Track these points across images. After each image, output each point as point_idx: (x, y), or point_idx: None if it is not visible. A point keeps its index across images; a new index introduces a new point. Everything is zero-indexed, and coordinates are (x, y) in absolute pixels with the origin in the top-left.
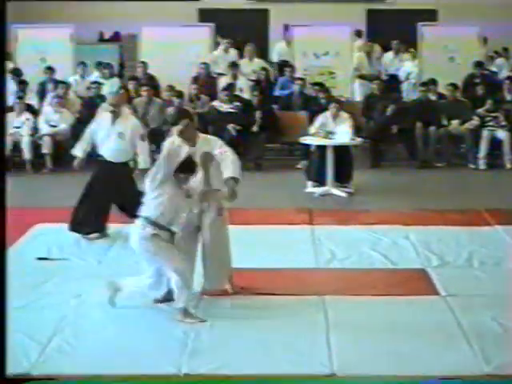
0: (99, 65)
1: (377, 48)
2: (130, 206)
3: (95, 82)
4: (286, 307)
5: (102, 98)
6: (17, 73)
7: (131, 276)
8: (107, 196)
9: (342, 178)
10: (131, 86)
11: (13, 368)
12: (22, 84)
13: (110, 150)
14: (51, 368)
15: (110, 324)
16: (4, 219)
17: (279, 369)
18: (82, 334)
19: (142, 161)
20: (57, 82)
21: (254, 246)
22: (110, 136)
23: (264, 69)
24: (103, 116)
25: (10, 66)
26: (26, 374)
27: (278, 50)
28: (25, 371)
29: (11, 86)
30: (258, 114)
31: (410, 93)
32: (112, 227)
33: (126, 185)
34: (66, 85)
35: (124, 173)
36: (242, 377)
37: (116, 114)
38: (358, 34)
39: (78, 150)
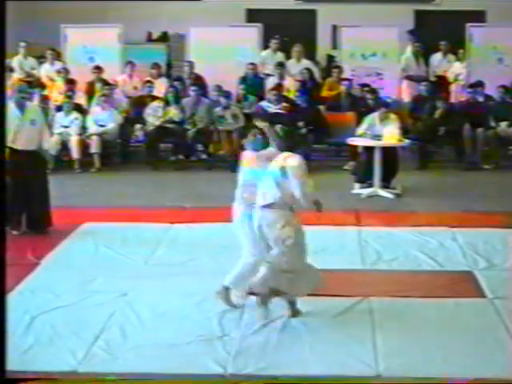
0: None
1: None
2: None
3: (148, 81)
4: (333, 308)
5: (153, 97)
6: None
7: (176, 276)
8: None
9: (387, 178)
10: (179, 85)
11: (60, 366)
12: (71, 83)
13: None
14: (97, 366)
15: (155, 323)
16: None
17: (326, 370)
18: (128, 333)
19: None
20: (105, 82)
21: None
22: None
23: (307, 69)
24: None
25: (59, 65)
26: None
27: None
28: (71, 369)
29: (60, 85)
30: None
31: (458, 94)
32: (159, 226)
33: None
34: (114, 85)
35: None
36: (287, 378)
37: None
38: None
39: None
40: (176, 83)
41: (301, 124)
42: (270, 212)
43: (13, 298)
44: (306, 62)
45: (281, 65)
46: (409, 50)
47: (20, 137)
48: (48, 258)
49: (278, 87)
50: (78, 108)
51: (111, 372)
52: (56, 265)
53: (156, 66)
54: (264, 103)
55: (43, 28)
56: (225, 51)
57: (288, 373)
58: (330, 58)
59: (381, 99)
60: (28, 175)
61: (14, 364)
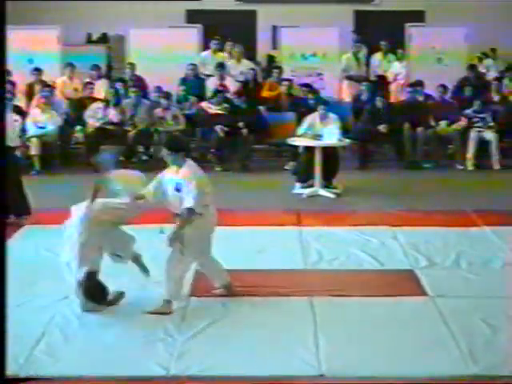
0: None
1: (364, 49)
2: None
3: (88, 83)
4: (275, 308)
5: (93, 99)
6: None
7: (118, 277)
8: None
9: (328, 178)
10: (120, 87)
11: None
12: (11, 85)
13: None
14: (38, 370)
15: (96, 326)
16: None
17: (268, 370)
18: (70, 337)
19: None
20: (44, 84)
21: (241, 247)
22: None
23: (252, 69)
24: None
25: None
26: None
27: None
28: (13, 373)
29: None
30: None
31: (398, 94)
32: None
33: None
34: (53, 86)
35: None
36: (229, 378)
37: None
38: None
39: None
40: (118, 84)
41: (241, 125)
42: None
43: None
44: (246, 63)
45: (221, 65)
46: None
47: None
48: None
49: (221, 88)
50: (18, 110)
51: (52, 376)
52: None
53: (96, 67)
54: (204, 104)
55: None
56: (165, 52)
57: (230, 374)
58: (270, 59)
59: (321, 99)
60: None
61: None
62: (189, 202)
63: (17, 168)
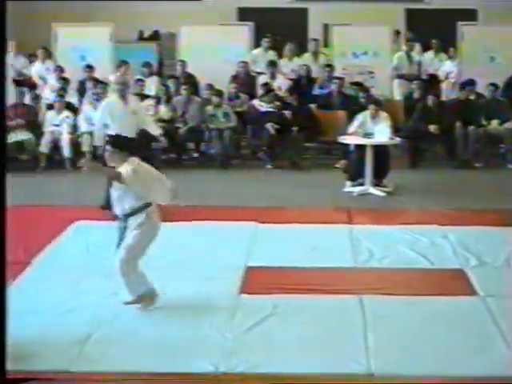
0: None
1: (417, 47)
2: None
3: (139, 80)
4: (325, 306)
5: (144, 96)
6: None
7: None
8: None
9: (379, 177)
10: (171, 84)
11: (52, 365)
12: (64, 82)
13: None
14: (89, 365)
15: (146, 323)
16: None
17: (317, 368)
18: (119, 333)
19: None
20: (96, 81)
21: (292, 244)
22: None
23: (305, 65)
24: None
25: (50, 64)
26: (27, 372)
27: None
28: (64, 368)
29: (52, 83)
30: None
31: (449, 92)
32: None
33: None
34: (106, 84)
35: None
36: (279, 376)
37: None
38: (397, 33)
39: None
40: (170, 81)
41: (292, 123)
42: None
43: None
44: (297, 61)
45: (273, 63)
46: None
47: None
48: (39, 257)
49: (266, 86)
50: (70, 107)
51: (103, 371)
52: (47, 264)
53: (147, 64)
54: (255, 102)
55: (34, 27)
56: (216, 50)
57: (279, 371)
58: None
59: (372, 97)
60: None
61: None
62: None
63: None
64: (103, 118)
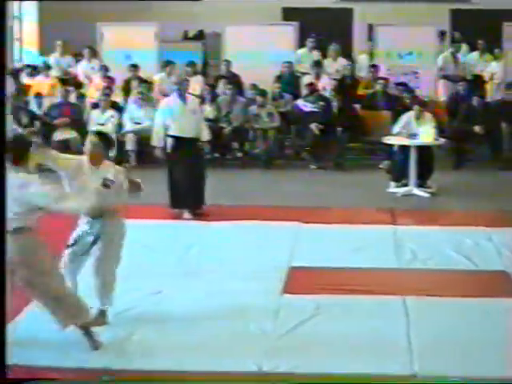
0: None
1: (464, 48)
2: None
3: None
4: (368, 307)
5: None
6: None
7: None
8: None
9: (423, 177)
10: (221, 84)
11: (93, 362)
12: (109, 81)
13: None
14: (130, 363)
15: (189, 321)
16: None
17: (359, 368)
18: (163, 331)
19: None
20: (141, 80)
21: (335, 245)
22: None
23: (350, 64)
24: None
25: (96, 63)
26: (31, 368)
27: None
28: (105, 366)
29: (97, 82)
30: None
31: (494, 93)
32: (194, 224)
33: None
34: (151, 83)
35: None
36: (321, 376)
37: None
38: (442, 34)
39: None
40: (214, 81)
41: (336, 123)
42: None
43: None
44: (342, 61)
45: (318, 64)
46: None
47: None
48: None
49: (310, 87)
50: (115, 105)
51: (144, 369)
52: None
53: (191, 64)
54: (300, 102)
55: (80, 26)
56: (261, 50)
57: (323, 371)
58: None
59: (417, 98)
60: None
61: (48, 360)
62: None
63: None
64: (163, 117)
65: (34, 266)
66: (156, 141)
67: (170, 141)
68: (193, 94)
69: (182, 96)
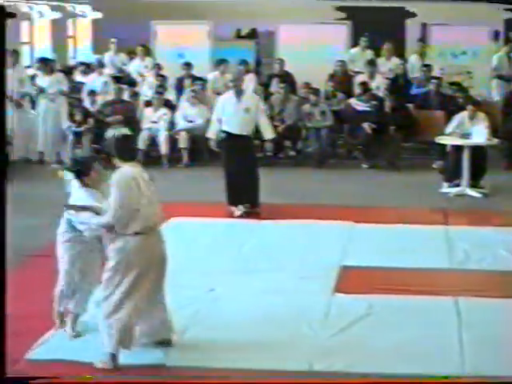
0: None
1: None
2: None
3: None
4: (420, 307)
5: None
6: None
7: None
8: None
9: (476, 178)
10: (274, 82)
11: (148, 359)
12: (162, 79)
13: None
14: (184, 361)
15: (240, 319)
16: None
17: (411, 368)
18: (216, 328)
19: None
20: (194, 78)
21: (388, 244)
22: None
23: (403, 64)
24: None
25: (149, 61)
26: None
27: None
28: (160, 362)
29: (150, 80)
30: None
31: None
32: (247, 223)
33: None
34: (204, 81)
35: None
36: (372, 376)
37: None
38: (496, 34)
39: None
40: (267, 79)
41: (389, 122)
42: None
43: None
44: (395, 60)
45: (371, 63)
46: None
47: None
48: None
49: (363, 85)
50: (168, 104)
51: (197, 366)
52: None
53: (244, 62)
54: (353, 101)
55: (134, 24)
56: (314, 48)
57: (374, 371)
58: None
59: (470, 98)
60: None
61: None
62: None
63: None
64: (217, 113)
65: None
66: (210, 133)
67: (223, 136)
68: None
69: (237, 94)
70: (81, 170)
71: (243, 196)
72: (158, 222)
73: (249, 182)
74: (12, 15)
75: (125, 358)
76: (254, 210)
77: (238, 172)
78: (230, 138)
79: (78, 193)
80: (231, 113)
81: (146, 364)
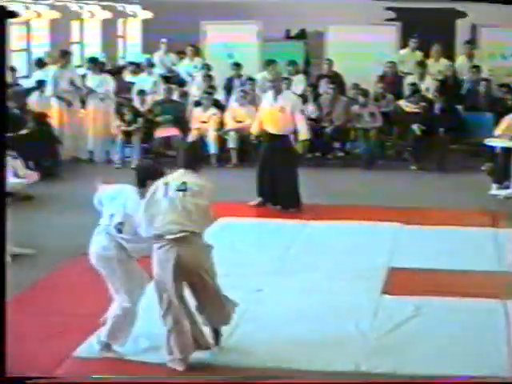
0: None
1: None
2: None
3: (285, 79)
4: (467, 309)
5: None
6: (207, 68)
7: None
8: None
9: None
10: (323, 83)
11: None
12: (211, 79)
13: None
14: (231, 360)
15: (286, 321)
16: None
17: (457, 370)
18: (263, 329)
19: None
20: (244, 78)
21: (436, 246)
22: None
23: (452, 65)
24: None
25: (199, 61)
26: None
27: None
28: (205, 361)
29: (199, 80)
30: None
31: None
32: (293, 224)
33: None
34: (253, 81)
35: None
36: (419, 377)
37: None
38: None
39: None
40: (316, 80)
41: (438, 124)
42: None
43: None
44: (444, 62)
45: (422, 64)
46: None
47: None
48: None
49: (416, 86)
50: (217, 104)
51: (243, 366)
52: None
53: (293, 63)
54: (402, 102)
55: (183, 24)
56: (363, 49)
57: (420, 373)
58: None
59: None
60: None
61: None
62: None
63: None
64: (259, 111)
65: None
66: (252, 129)
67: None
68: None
69: (275, 93)
70: (148, 177)
71: (273, 195)
72: (172, 229)
73: (282, 182)
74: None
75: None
76: (293, 211)
77: (271, 170)
78: (267, 136)
79: (136, 205)
80: (267, 112)
81: (191, 363)
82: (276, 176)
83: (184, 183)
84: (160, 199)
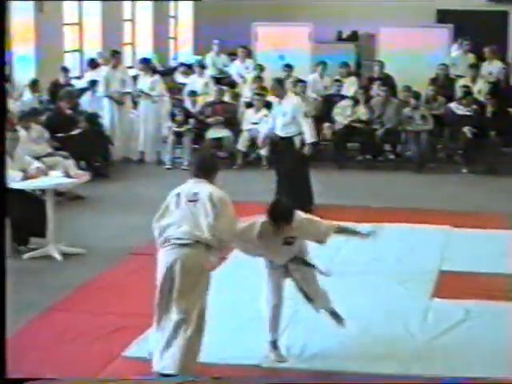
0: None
1: None
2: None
3: (337, 80)
4: None
5: (342, 97)
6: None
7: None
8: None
9: None
10: (374, 85)
11: (245, 359)
12: (259, 80)
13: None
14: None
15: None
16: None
17: (508, 374)
18: (313, 330)
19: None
20: (296, 80)
21: (486, 249)
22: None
23: (505, 68)
24: None
25: (250, 62)
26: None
27: None
28: (256, 363)
29: (251, 82)
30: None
31: None
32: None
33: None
34: (304, 83)
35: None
36: (471, 380)
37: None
38: None
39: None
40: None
41: (490, 127)
42: None
43: None
44: (497, 64)
45: (474, 66)
46: None
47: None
48: (233, 254)
49: (468, 89)
50: (268, 105)
51: (294, 367)
52: (240, 261)
53: (345, 65)
54: (453, 105)
55: (235, 26)
56: (414, 51)
57: (470, 375)
58: None
59: None
60: None
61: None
62: None
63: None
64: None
65: None
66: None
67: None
68: (345, 96)
69: (280, 97)
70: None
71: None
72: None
73: (293, 184)
74: None
75: (220, 358)
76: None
77: (284, 172)
78: (279, 139)
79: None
80: (274, 115)
81: (239, 364)
82: (286, 178)
83: (195, 194)
84: (173, 210)
